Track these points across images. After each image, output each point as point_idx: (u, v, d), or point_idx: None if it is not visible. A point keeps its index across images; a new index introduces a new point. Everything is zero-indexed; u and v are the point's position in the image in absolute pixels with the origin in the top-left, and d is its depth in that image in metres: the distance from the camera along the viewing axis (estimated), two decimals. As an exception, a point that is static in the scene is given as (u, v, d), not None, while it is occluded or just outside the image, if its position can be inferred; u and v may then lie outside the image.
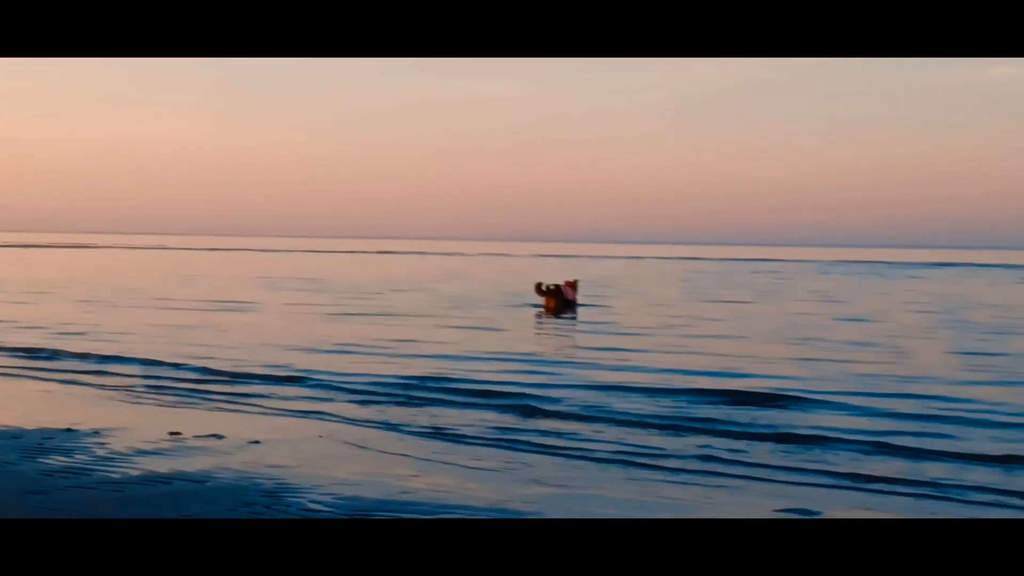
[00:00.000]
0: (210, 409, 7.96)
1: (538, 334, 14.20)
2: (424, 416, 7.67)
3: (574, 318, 17.03)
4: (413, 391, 8.76)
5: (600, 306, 19.91)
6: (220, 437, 6.74)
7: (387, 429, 7.20)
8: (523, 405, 7.92)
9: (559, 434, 7.00)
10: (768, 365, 10.36)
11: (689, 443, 6.72)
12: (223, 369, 10.04)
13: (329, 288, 25.61)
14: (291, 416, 7.68)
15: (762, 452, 6.47)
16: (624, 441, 6.76)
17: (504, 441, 6.77)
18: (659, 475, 5.92)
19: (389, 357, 11.09)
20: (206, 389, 8.89)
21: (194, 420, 7.43)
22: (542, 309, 18.77)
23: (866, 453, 6.39)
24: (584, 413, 7.68)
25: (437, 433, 7.06)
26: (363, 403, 8.26)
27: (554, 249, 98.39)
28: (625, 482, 5.76)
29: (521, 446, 6.62)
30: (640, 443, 6.71)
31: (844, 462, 6.16)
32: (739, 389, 8.52)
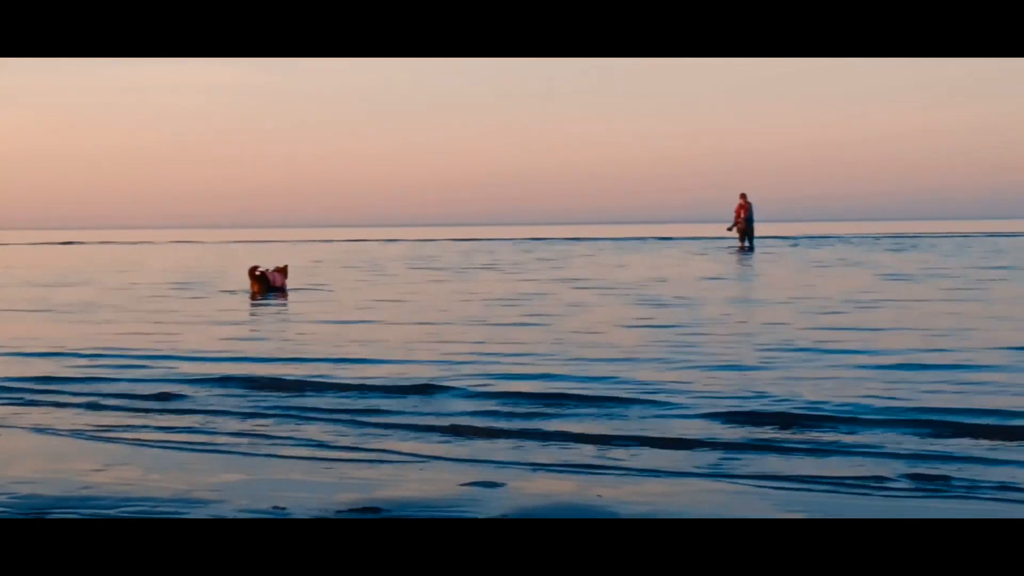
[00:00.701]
0: None
1: (221, 324, 13.83)
2: (88, 414, 7.41)
3: (285, 304, 16.84)
4: (66, 392, 8.34)
5: (309, 290, 19.83)
6: None
7: (56, 430, 6.90)
8: (191, 408, 7.68)
9: (210, 431, 6.85)
10: (431, 351, 10.45)
11: (354, 432, 6.76)
12: None
13: None
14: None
15: (426, 436, 6.61)
16: (297, 435, 6.70)
17: (175, 442, 6.56)
18: (337, 463, 5.96)
19: (49, 357, 10.53)
20: None
21: None
22: (249, 295, 18.63)
23: (516, 436, 6.59)
24: (264, 410, 7.53)
25: (104, 432, 6.81)
26: (22, 404, 7.86)
27: (252, 235, 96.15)
28: (312, 469, 5.82)
29: (189, 445, 6.48)
30: (307, 435, 6.67)
31: (500, 445, 6.40)
32: (391, 382, 8.50)
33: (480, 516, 4.80)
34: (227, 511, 4.89)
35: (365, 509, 4.91)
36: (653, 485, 5.37)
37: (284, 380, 8.71)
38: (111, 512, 4.87)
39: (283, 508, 4.94)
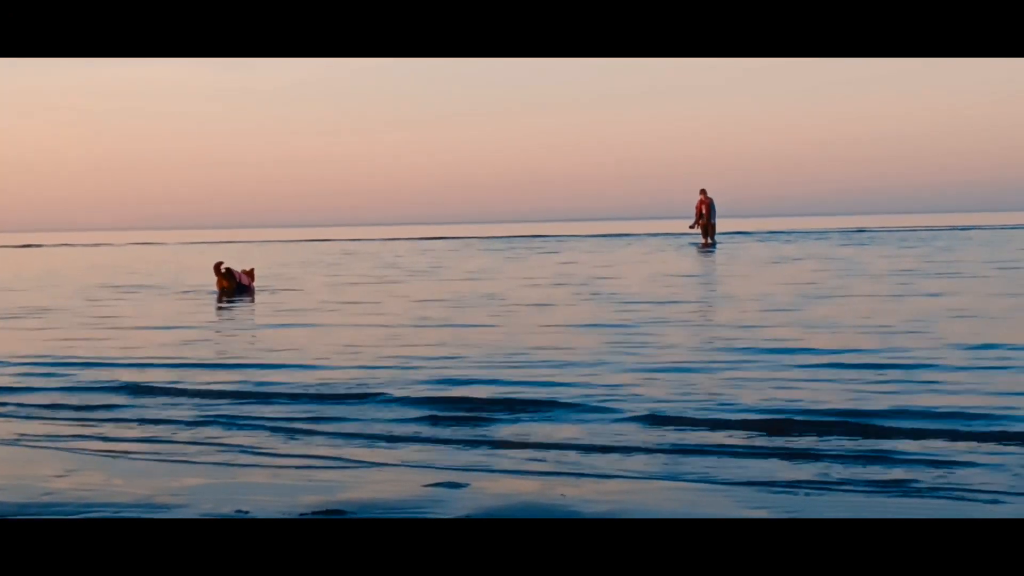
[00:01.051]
0: None
1: (185, 328, 13.75)
2: (43, 423, 7.34)
3: (251, 306, 16.78)
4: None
5: (277, 292, 19.77)
6: None
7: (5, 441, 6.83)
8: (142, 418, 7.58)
9: (166, 440, 6.79)
10: (389, 356, 10.40)
11: (311, 439, 6.72)
12: None
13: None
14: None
15: (383, 442, 6.60)
16: (254, 442, 6.66)
17: (133, 451, 6.48)
18: (297, 469, 5.93)
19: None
20: None
21: None
22: (217, 294, 18.67)
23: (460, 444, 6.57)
24: (218, 418, 7.44)
25: (57, 441, 6.74)
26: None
27: (211, 236, 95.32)
28: (273, 475, 5.82)
29: (149, 453, 6.41)
30: (264, 443, 6.62)
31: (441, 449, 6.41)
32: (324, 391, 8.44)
33: (444, 516, 4.83)
34: (190, 515, 4.89)
35: (329, 512, 4.92)
36: (615, 484, 5.42)
37: (242, 388, 8.63)
38: (74, 517, 4.85)
39: (246, 512, 4.94)
